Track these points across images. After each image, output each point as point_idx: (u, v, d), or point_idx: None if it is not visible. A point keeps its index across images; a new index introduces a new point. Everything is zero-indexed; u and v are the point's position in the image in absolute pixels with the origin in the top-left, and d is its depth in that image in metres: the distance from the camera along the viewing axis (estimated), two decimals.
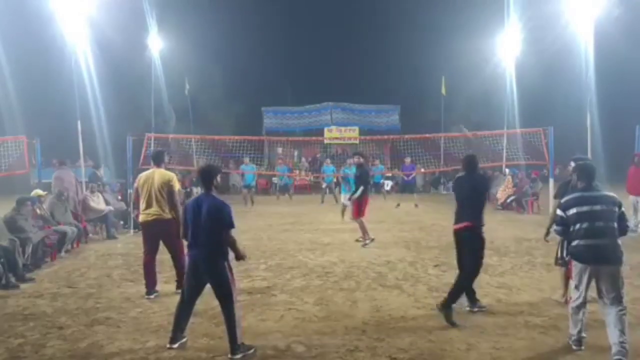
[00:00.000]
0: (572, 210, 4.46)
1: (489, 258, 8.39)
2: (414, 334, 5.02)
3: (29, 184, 14.34)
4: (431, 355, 4.51)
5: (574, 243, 4.48)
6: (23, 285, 6.94)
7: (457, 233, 5.68)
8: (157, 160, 6.57)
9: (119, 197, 12.97)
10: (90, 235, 10.89)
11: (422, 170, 20.15)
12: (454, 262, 8.04)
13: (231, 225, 4.51)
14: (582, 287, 4.46)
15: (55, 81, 18.10)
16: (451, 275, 7.23)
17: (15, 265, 7.10)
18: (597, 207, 4.40)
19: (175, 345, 4.63)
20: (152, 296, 6.32)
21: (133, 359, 4.52)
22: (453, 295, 5.40)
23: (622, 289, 4.37)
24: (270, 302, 6.10)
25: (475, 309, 5.64)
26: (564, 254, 5.65)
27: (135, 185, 6.59)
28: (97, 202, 11.05)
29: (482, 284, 6.82)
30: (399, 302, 6.04)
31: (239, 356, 4.40)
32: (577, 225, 4.43)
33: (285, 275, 7.41)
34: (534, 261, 8.13)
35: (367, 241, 9.59)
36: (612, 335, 4.27)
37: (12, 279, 6.96)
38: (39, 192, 9.85)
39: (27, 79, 20.02)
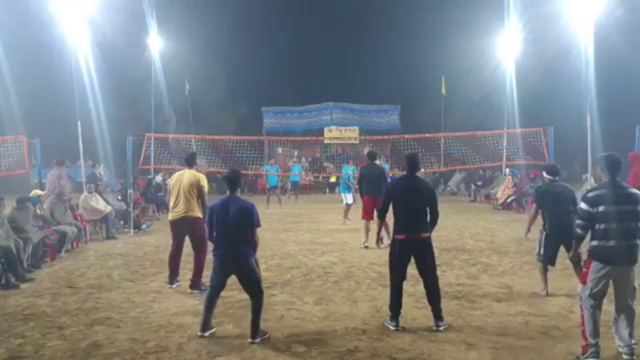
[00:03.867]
0: (601, 208, 4.18)
1: (489, 258, 8.43)
2: (414, 334, 5.01)
3: (29, 184, 14.36)
4: (431, 355, 4.51)
5: (598, 243, 4.23)
6: (23, 285, 6.94)
7: (412, 243, 5.16)
8: (189, 161, 6.97)
9: (119, 197, 12.97)
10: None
11: (422, 170, 20.13)
12: (454, 262, 8.13)
13: (258, 224, 4.95)
14: (599, 288, 4.24)
15: (55, 81, 18.10)
16: (450, 275, 7.26)
17: (15, 265, 7.10)
18: (624, 207, 4.16)
19: (207, 334, 4.94)
20: (173, 286, 6.79)
21: (133, 359, 4.52)
22: (439, 303, 5.18)
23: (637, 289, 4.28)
24: (270, 302, 6.09)
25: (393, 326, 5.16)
26: (541, 250, 6.23)
27: (168, 185, 7.08)
28: (97, 203, 11.04)
29: (482, 283, 6.84)
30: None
31: (258, 340, 4.80)
32: (603, 225, 4.18)
33: (285, 275, 7.41)
34: (534, 261, 8.10)
35: (363, 245, 9.44)
36: (622, 337, 4.27)
37: (12, 279, 6.96)
38: (39, 192, 9.87)
39: (27, 80, 20.00)
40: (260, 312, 4.87)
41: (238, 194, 5.09)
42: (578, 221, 4.38)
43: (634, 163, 9.94)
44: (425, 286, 5.27)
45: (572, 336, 4.74)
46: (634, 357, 4.23)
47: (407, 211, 5.21)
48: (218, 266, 4.98)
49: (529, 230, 6.56)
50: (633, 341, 4.26)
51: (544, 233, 6.21)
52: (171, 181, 7.01)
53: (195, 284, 6.55)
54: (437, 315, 5.15)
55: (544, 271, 6.27)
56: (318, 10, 33.23)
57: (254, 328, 4.82)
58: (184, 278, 7.00)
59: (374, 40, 31.52)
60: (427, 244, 5.24)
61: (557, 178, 6.27)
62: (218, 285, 5.03)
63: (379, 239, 6.01)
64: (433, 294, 5.20)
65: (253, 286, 4.91)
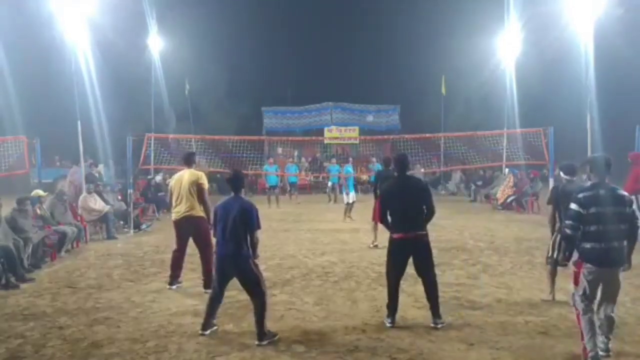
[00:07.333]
0: (592, 209, 4.21)
1: (489, 258, 8.43)
2: (414, 334, 5.02)
3: (29, 184, 14.34)
4: (431, 355, 4.51)
5: (589, 245, 4.25)
6: (23, 285, 6.94)
7: (409, 241, 5.20)
8: (188, 161, 6.99)
9: (119, 197, 12.97)
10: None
11: (422, 170, 20.14)
12: (454, 262, 8.13)
13: (258, 227, 4.99)
14: (590, 290, 4.30)
15: (55, 81, 18.09)
16: (450, 275, 7.27)
17: (15, 265, 7.10)
18: (614, 209, 4.22)
19: (207, 332, 4.98)
20: (173, 287, 6.74)
21: (133, 359, 4.52)
22: (437, 301, 5.24)
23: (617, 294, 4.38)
24: (271, 302, 6.09)
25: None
26: (554, 254, 5.76)
27: (169, 185, 7.11)
28: (95, 203, 11.04)
29: (482, 283, 6.85)
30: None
31: (265, 342, 4.76)
32: (593, 227, 4.21)
33: (285, 275, 7.41)
34: (534, 261, 8.13)
35: (372, 244, 9.41)
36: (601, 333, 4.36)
37: (12, 279, 6.96)
38: (39, 192, 9.86)
39: (27, 79, 20.00)
40: (263, 312, 4.83)
41: (242, 194, 5.14)
42: (568, 222, 4.32)
43: (635, 164, 9.90)
44: (424, 284, 5.31)
45: (572, 336, 4.74)
46: (610, 352, 4.34)
47: (401, 210, 5.25)
48: (217, 266, 5.01)
49: (553, 233, 5.94)
50: (609, 337, 4.38)
51: (559, 235, 5.66)
52: (172, 181, 7.02)
53: (208, 283, 6.35)
54: (435, 313, 5.20)
55: (553, 275, 6.07)
56: (318, 10, 33.24)
57: (259, 329, 4.80)
58: (186, 278, 7.02)
59: (374, 40, 31.53)
60: (424, 242, 5.25)
61: (574, 178, 5.85)
62: (219, 288, 5.03)
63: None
64: (431, 292, 5.24)
65: (252, 287, 4.92)
